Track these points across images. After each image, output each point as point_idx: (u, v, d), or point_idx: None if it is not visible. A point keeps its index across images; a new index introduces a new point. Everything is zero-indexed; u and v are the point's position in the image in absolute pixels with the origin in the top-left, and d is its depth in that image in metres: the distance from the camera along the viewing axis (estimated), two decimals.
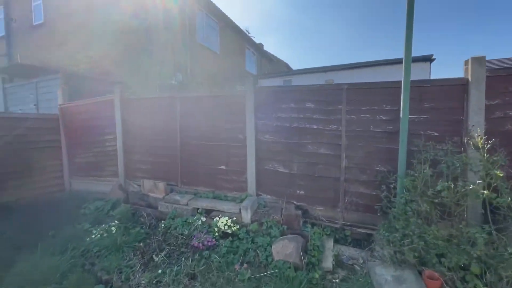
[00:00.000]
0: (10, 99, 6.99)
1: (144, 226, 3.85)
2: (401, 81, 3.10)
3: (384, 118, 3.25)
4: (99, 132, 5.29)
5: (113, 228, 3.52)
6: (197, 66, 10.81)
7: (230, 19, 13.38)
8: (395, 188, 2.98)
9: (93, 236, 3.41)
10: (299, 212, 3.56)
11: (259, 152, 3.96)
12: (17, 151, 4.98)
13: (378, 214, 3.02)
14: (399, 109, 3.13)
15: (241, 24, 29.44)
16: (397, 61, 9.86)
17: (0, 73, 8.43)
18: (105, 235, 3.43)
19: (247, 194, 3.98)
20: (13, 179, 4.93)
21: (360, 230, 3.31)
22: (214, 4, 11.96)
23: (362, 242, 3.35)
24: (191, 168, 4.50)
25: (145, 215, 4.10)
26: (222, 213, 3.77)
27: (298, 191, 3.75)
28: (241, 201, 3.90)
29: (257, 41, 17.67)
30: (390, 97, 3.23)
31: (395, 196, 2.88)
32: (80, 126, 5.48)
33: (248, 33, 15.93)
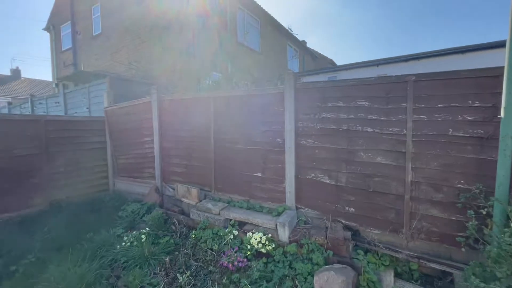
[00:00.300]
0: (69, 103, 7.68)
1: (174, 235, 3.63)
2: (497, 67, 2.28)
3: (470, 118, 2.42)
4: (138, 134, 5.32)
5: (143, 236, 3.36)
6: (237, 65, 10.63)
7: (272, 17, 12.97)
8: (488, 214, 2.17)
9: (123, 243, 3.28)
10: (348, 234, 2.92)
11: (299, 158, 3.41)
12: (69, 152, 5.28)
13: (462, 250, 2.22)
14: (493, 106, 2.31)
15: (284, 22, 28.84)
16: (469, 49, 8.18)
17: (64, 80, 9.43)
18: (135, 243, 3.27)
19: (285, 207, 3.47)
20: (65, 178, 5.24)
21: (432, 265, 2.53)
22: (256, 2, 11.67)
23: (435, 280, 2.57)
24: (225, 174, 4.17)
25: (177, 222, 3.89)
26: (256, 227, 3.34)
27: (347, 208, 3.10)
28: (278, 214, 3.41)
29: (300, 39, 16.92)
30: (478, 90, 2.39)
31: (491, 228, 2.07)
32: (122, 128, 5.61)
33: (291, 31, 15.30)
